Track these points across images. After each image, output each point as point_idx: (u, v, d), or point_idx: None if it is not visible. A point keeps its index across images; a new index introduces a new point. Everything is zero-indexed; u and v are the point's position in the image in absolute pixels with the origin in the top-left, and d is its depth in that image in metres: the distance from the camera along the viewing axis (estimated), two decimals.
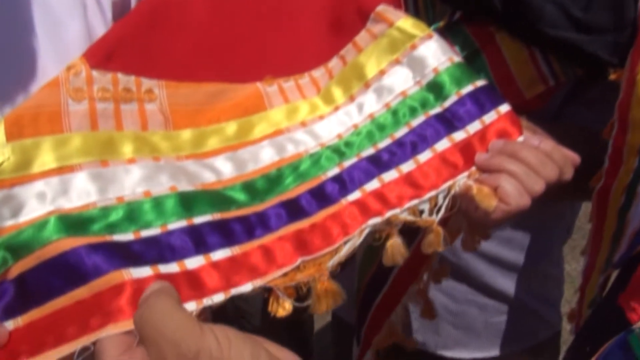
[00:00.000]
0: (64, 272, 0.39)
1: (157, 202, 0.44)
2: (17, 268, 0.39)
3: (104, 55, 0.47)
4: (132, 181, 0.44)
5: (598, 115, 0.75)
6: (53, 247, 0.39)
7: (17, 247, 0.39)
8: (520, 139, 0.53)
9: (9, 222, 0.40)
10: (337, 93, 0.57)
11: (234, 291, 0.42)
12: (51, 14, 0.46)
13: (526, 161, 0.49)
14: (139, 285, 0.38)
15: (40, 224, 0.40)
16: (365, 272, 0.76)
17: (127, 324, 0.36)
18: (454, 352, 0.88)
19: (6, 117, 0.41)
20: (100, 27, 0.50)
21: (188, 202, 0.45)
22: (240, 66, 0.56)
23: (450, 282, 0.84)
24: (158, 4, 0.51)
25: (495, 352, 0.88)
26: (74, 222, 0.41)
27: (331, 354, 1.12)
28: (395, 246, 0.49)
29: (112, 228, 0.42)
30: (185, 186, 0.46)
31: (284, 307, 0.44)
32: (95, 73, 0.46)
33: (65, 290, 0.38)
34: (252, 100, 0.55)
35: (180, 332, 0.32)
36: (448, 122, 0.53)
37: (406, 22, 0.56)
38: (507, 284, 0.85)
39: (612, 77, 0.71)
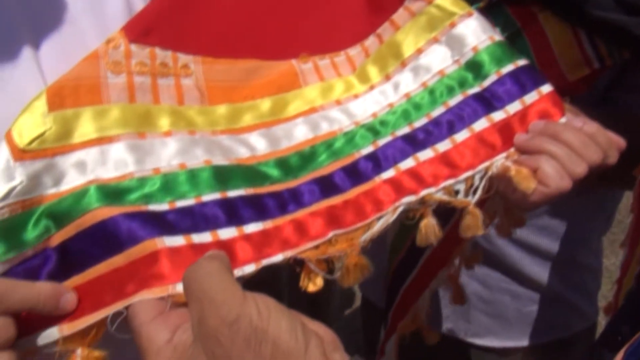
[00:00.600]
0: (102, 240, 0.39)
1: (192, 174, 0.45)
2: (59, 236, 0.40)
3: (142, 29, 0.47)
4: (168, 153, 0.45)
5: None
6: (91, 215, 0.40)
7: (59, 216, 0.40)
8: (563, 120, 0.51)
9: (51, 191, 0.41)
10: (373, 72, 0.56)
11: (265, 262, 0.42)
12: None
13: (568, 143, 0.48)
14: (172, 253, 0.39)
15: (79, 193, 0.41)
16: (395, 256, 0.76)
17: (160, 291, 0.37)
18: (484, 340, 0.87)
19: (48, 88, 0.42)
20: (140, 2, 0.50)
21: (222, 175, 0.45)
22: (275, 43, 0.56)
23: (484, 269, 0.82)
24: None
25: (526, 341, 0.86)
26: (111, 192, 0.41)
27: (360, 339, 1.12)
28: (429, 226, 0.48)
29: (148, 198, 0.42)
30: (219, 160, 0.47)
31: (314, 283, 0.44)
32: (133, 47, 0.47)
33: (103, 257, 0.39)
34: (287, 78, 0.55)
35: (224, 294, 0.32)
36: (487, 101, 0.52)
37: (445, 0, 0.54)
38: (542, 273, 0.83)
39: None
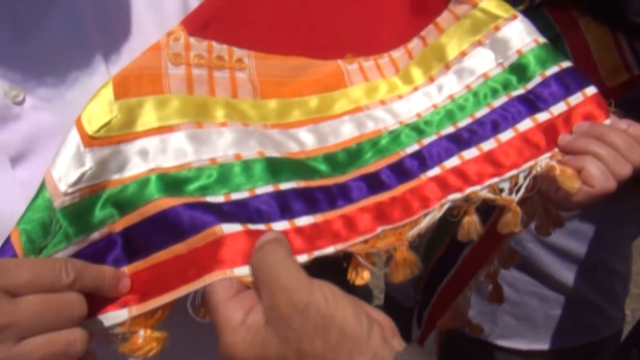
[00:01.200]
0: (164, 228, 0.41)
1: (247, 166, 0.46)
2: (122, 222, 0.42)
3: (200, 23, 0.49)
4: (224, 143, 0.46)
5: None
6: (153, 205, 0.41)
7: (123, 204, 0.42)
8: (607, 122, 0.52)
9: (115, 176, 0.43)
10: (417, 74, 0.57)
11: (317, 253, 0.43)
12: None
13: (613, 144, 0.49)
14: (231, 239, 0.40)
15: (142, 182, 0.43)
16: (432, 254, 0.77)
17: (220, 274, 0.38)
18: (510, 342, 0.88)
19: (114, 77, 0.44)
20: (195, 1, 0.52)
21: (274, 167, 0.47)
22: (322, 42, 0.57)
23: (513, 271, 0.83)
24: None
25: (552, 344, 0.86)
26: (171, 182, 0.43)
27: None
28: (471, 223, 0.50)
29: (205, 190, 0.44)
30: (272, 152, 0.48)
31: (362, 277, 0.46)
32: (192, 40, 0.48)
33: (165, 245, 0.41)
34: (334, 77, 0.56)
35: (294, 282, 0.34)
36: (531, 103, 0.53)
37: (490, 3, 0.56)
38: (570, 276, 0.83)
39: None
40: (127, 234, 0.42)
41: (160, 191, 0.42)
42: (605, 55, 0.72)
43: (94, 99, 0.42)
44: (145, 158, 0.44)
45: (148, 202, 0.42)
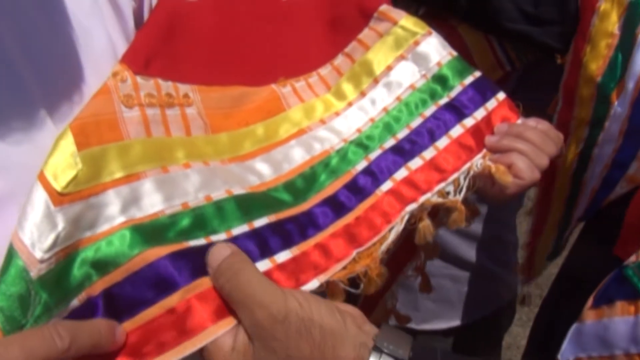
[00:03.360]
0: (153, 283, 0.38)
1: (219, 207, 0.44)
2: (101, 284, 0.38)
3: (142, 61, 0.46)
4: (193, 186, 0.44)
5: (542, 95, 0.85)
6: (140, 258, 0.38)
7: (101, 263, 0.38)
8: (519, 121, 0.59)
9: (87, 234, 0.38)
10: (348, 89, 0.60)
11: (303, 289, 0.43)
12: (79, 23, 0.44)
13: (531, 140, 0.56)
14: None
15: (118, 237, 0.39)
16: None
17: (226, 323, 0.37)
18: (432, 324, 0.95)
19: (71, 125, 0.39)
20: (120, 38, 0.48)
21: (245, 205, 0.46)
22: (255, 69, 0.57)
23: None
24: (171, 14, 0.51)
25: (468, 318, 0.96)
26: (149, 232, 0.40)
27: None
28: (426, 227, 0.53)
29: (186, 234, 0.41)
30: (238, 189, 0.47)
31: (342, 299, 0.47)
32: (139, 79, 0.45)
33: (156, 299, 0.38)
34: (272, 103, 0.56)
35: (269, 296, 0.36)
36: (457, 110, 0.58)
37: (408, 21, 0.60)
38: (474, 253, 0.93)
39: (559, 61, 0.82)
40: (108, 294, 0.38)
41: (141, 243, 0.39)
42: (483, 56, 0.82)
43: (55, 152, 0.37)
44: (116, 210, 0.40)
45: (133, 256, 0.38)
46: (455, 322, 0.96)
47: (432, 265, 0.91)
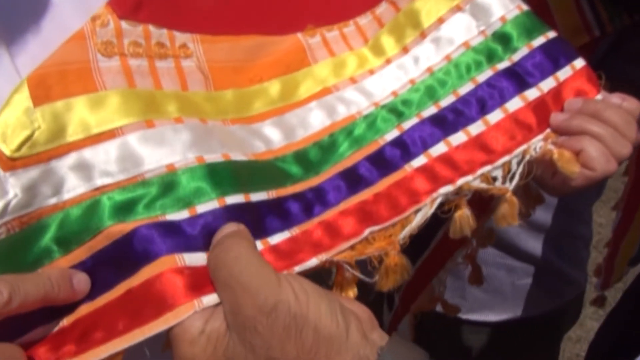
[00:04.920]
0: (115, 263, 0.33)
1: (213, 169, 0.38)
2: (64, 262, 0.34)
3: (132, 4, 0.39)
4: (182, 143, 0.37)
5: (637, 69, 0.71)
6: (104, 235, 0.33)
7: (66, 237, 0.34)
8: (599, 97, 0.48)
9: (52, 200, 0.34)
10: (389, 43, 0.50)
11: (298, 268, 0.37)
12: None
13: (611, 122, 0.44)
14: (194, 272, 0.33)
15: (88, 206, 0.34)
16: None
17: (189, 307, 0.31)
18: (480, 315, 0.86)
19: (29, 77, 0.34)
20: None
21: (244, 174, 0.39)
22: (278, 14, 0.49)
23: None
24: None
25: (521, 313, 0.86)
26: (123, 202, 0.35)
27: None
28: (464, 217, 0.44)
29: (164, 207, 0.35)
30: (238, 155, 0.40)
31: (352, 292, 0.40)
32: (124, 24, 0.39)
33: (117, 281, 0.33)
34: (294, 55, 0.48)
35: (258, 280, 0.30)
36: (519, 78, 0.47)
37: None
38: (536, 245, 0.83)
39: None
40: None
41: (111, 216, 0.34)
42: (566, 16, 0.69)
43: (5, 109, 0.33)
44: (86, 174, 0.35)
45: (98, 232, 0.33)
46: (506, 315, 0.86)
47: (486, 252, 0.81)
